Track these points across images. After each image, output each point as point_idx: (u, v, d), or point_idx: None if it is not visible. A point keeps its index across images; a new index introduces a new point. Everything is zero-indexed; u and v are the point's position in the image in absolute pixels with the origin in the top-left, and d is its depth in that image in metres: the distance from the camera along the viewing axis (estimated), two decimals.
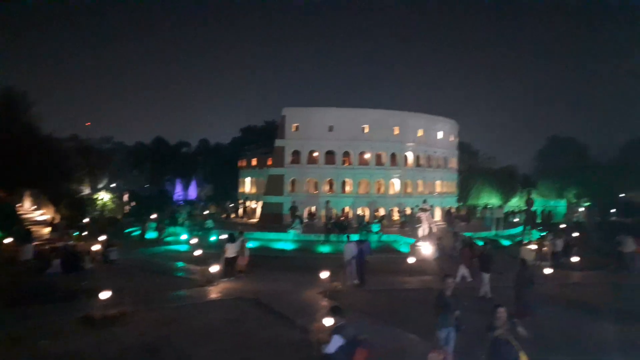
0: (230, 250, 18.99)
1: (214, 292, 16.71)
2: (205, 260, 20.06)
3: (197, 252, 22.86)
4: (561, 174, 60.73)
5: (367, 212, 36.72)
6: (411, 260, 22.61)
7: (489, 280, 16.32)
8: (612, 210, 55.82)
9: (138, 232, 32.68)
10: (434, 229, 28.69)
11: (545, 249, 24.55)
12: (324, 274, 16.77)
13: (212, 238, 29.12)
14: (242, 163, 44.39)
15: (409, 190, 38.95)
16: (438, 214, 39.20)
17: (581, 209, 59.35)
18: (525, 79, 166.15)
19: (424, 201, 29.53)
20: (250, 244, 22.92)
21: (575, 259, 24.25)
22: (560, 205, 60.44)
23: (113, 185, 56.14)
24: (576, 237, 30.96)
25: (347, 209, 36.91)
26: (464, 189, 61.77)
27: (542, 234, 33.20)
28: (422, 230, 27.77)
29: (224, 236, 22.52)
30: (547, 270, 20.22)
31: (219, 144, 63.10)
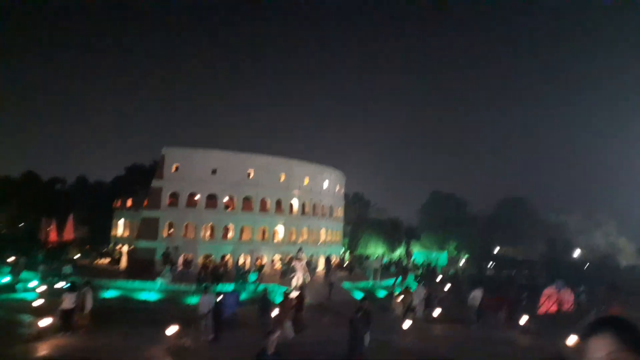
0: (68, 301, 16.80)
1: (40, 350, 14.50)
2: (47, 312, 17.63)
3: (38, 302, 20.21)
4: (442, 227, 64.11)
5: (248, 260, 35.50)
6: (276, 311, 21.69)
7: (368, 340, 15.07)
8: (490, 264, 59.94)
9: None
10: (308, 279, 28.19)
11: (409, 299, 24.88)
12: (172, 329, 15.32)
13: (65, 286, 26.10)
14: (117, 204, 41.38)
15: (294, 238, 38.52)
16: (322, 263, 39.09)
17: (462, 262, 62.93)
18: (415, 138, 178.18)
19: (300, 250, 29.07)
20: (108, 294, 20.90)
21: (437, 311, 24.94)
22: (442, 258, 63.49)
23: None
24: (443, 289, 32.08)
25: (227, 256, 35.44)
26: (353, 239, 63.05)
27: (414, 286, 34.30)
28: (296, 280, 27.14)
29: (61, 285, 20.23)
30: (406, 324, 20.30)
31: (99, 182, 58.87)
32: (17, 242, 47.87)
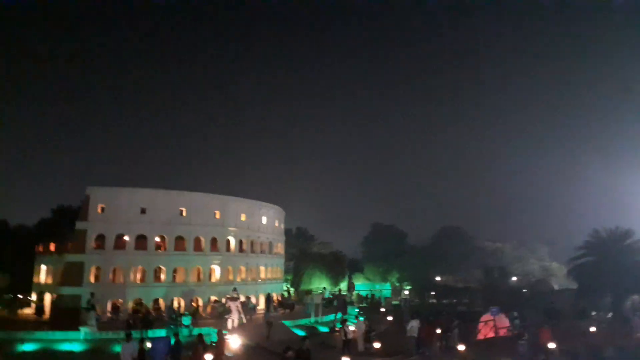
0: None
1: None
2: None
3: None
4: (384, 258, 64.45)
5: (182, 303, 33.71)
6: (209, 357, 20.40)
7: None
8: (432, 293, 60.56)
9: None
10: (244, 320, 27.04)
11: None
12: None
13: None
14: (40, 248, 38.46)
15: (231, 277, 37.14)
16: (262, 302, 37.82)
17: (406, 292, 63.20)
18: (354, 171, 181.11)
19: (234, 289, 27.97)
20: (26, 347, 19.04)
21: (377, 345, 24.49)
22: (386, 289, 63.47)
23: None
24: (387, 320, 31.77)
25: (160, 300, 33.54)
26: (297, 274, 61.98)
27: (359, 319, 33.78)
28: (232, 321, 25.92)
29: None
30: None
31: (22, 226, 54.93)
32: None
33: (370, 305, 46.71)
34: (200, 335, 18.80)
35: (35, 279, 37.52)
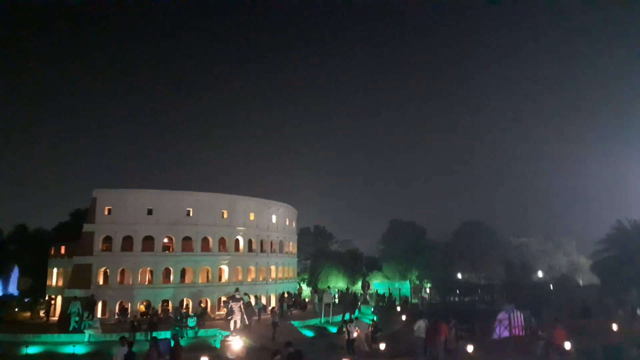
0: None
1: None
2: None
3: None
4: (403, 256, 62.95)
5: (190, 304, 33.31)
6: None
7: None
8: (452, 291, 58.89)
9: None
10: (247, 321, 26.36)
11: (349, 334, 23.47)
12: None
13: None
14: (52, 252, 38.62)
15: (240, 277, 36.60)
16: (273, 301, 37.26)
17: (425, 290, 61.61)
18: (373, 167, 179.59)
19: (236, 289, 27.27)
20: (30, 350, 18.85)
21: (381, 345, 23.56)
22: (404, 287, 62.07)
23: None
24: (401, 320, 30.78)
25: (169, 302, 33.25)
26: (313, 273, 61.25)
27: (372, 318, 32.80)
28: (235, 323, 25.26)
29: None
30: None
31: (40, 230, 55.69)
32: None
33: (382, 305, 45.56)
34: (154, 339, 18.04)
35: (48, 282, 37.71)
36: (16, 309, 39.25)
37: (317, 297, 34.80)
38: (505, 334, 25.28)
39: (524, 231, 74.92)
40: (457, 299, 57.53)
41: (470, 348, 20.99)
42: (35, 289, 46.50)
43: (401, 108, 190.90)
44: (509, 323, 25.37)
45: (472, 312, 38.18)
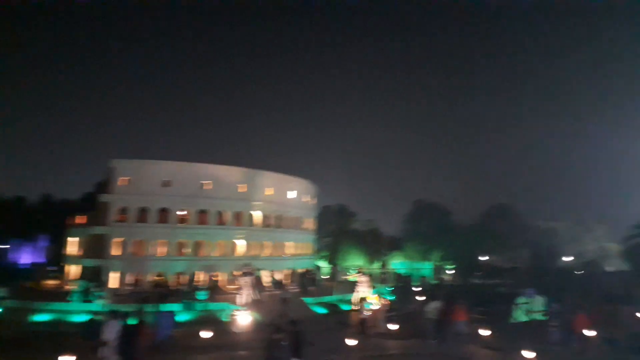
0: None
1: None
2: None
3: None
4: (426, 237, 61.91)
5: (203, 278, 33.21)
6: (206, 334, 19.46)
7: None
8: (477, 273, 57.66)
9: None
10: (257, 296, 25.99)
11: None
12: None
13: None
14: (71, 221, 39.08)
15: (256, 252, 36.29)
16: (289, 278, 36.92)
17: (448, 272, 60.64)
18: (399, 147, 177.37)
19: (247, 264, 26.91)
20: (39, 317, 20.73)
21: (393, 326, 22.79)
22: (426, 268, 61.13)
23: None
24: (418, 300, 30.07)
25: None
26: (334, 251, 60.85)
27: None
28: (243, 297, 24.95)
29: None
30: (351, 341, 18.12)
31: (65, 200, 56.72)
32: None
33: (404, 285, 44.79)
34: (143, 314, 17.05)
35: (66, 251, 38.23)
36: (41, 278, 39.98)
37: (337, 273, 34.20)
38: (523, 318, 24.22)
39: (555, 216, 72.69)
40: (479, 281, 56.30)
41: (483, 332, 20.06)
42: (61, 258, 47.56)
43: (431, 89, 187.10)
44: (527, 308, 24.28)
45: (491, 295, 37.06)
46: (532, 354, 15.77)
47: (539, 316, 24.38)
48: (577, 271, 50.82)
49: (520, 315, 24.86)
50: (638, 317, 23.36)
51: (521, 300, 25.18)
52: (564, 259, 58.54)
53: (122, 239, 32.80)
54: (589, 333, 18.32)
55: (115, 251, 32.75)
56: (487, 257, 62.91)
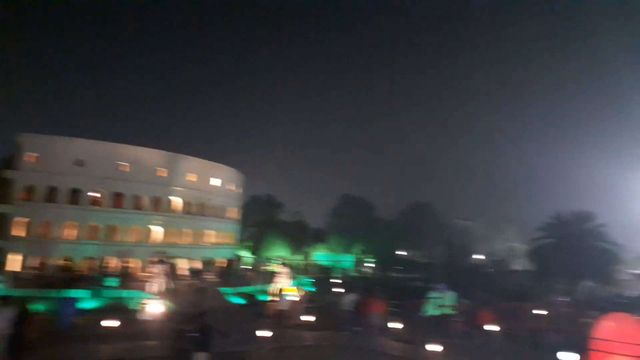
0: None
1: None
2: None
3: None
4: (349, 230, 63.05)
5: (115, 263, 31.59)
6: (111, 323, 18.42)
7: None
8: (397, 267, 59.51)
9: None
10: (172, 284, 25.10)
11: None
12: None
13: None
14: None
15: (174, 239, 35.03)
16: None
17: (368, 265, 62.15)
18: (329, 141, 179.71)
19: (160, 252, 25.92)
20: None
21: (310, 317, 22.86)
22: (348, 260, 62.28)
23: None
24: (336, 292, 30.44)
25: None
26: (258, 241, 60.29)
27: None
28: (155, 286, 23.99)
29: None
30: (263, 332, 17.85)
31: None
32: None
33: (324, 276, 45.31)
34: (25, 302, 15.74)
35: None
36: None
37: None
38: (433, 312, 25.20)
39: (470, 216, 76.66)
40: (397, 275, 58.20)
41: (395, 325, 20.59)
42: None
43: (362, 89, 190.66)
44: (439, 302, 25.26)
45: (407, 289, 38.32)
46: (439, 348, 16.34)
47: (449, 310, 25.55)
48: (487, 269, 53.91)
49: (431, 310, 25.87)
50: (538, 313, 25.02)
51: (433, 294, 26.21)
52: (476, 257, 61.96)
53: (26, 219, 30.38)
54: (492, 328, 19.35)
55: (18, 232, 30.28)
56: (405, 252, 65.30)
